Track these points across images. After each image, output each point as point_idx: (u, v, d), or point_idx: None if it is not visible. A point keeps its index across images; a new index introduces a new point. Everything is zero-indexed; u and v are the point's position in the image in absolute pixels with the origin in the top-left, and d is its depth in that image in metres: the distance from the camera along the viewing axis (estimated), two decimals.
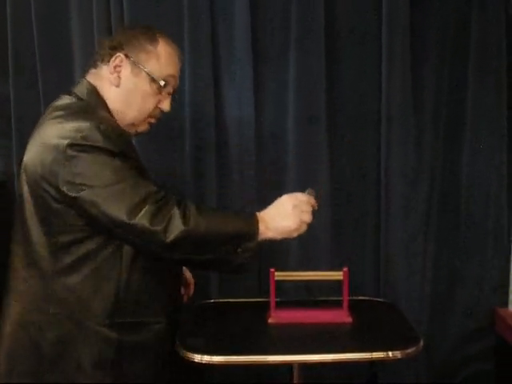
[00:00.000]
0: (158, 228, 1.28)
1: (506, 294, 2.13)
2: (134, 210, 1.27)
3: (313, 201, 1.44)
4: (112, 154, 1.31)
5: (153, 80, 1.46)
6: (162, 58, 1.47)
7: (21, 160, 1.41)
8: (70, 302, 1.37)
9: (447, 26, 2.03)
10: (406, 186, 2.06)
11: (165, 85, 1.47)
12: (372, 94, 2.05)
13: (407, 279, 2.08)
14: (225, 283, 2.05)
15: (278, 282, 1.63)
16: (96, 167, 1.30)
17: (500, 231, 2.12)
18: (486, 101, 2.06)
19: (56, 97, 1.93)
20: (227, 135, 2.03)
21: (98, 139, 1.30)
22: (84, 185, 1.28)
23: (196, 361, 1.42)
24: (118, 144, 1.33)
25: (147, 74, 1.45)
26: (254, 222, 1.37)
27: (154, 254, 1.36)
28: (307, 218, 1.41)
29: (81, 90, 1.45)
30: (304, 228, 1.41)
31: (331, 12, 1.99)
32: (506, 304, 2.13)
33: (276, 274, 1.63)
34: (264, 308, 1.68)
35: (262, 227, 1.37)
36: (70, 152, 1.29)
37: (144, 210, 1.28)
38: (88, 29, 1.96)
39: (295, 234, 1.41)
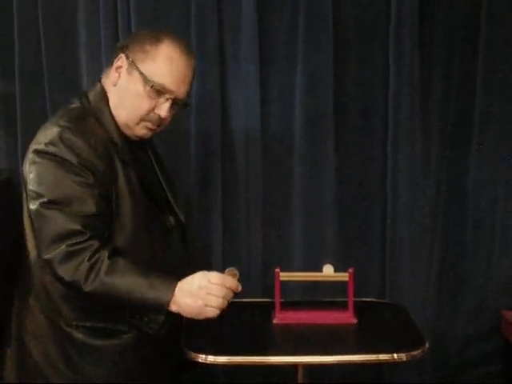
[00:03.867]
0: (62, 274, 1.26)
1: None
2: (51, 246, 1.27)
3: (232, 283, 1.30)
4: (64, 164, 1.30)
5: (146, 81, 1.39)
6: (158, 60, 1.39)
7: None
8: (43, 299, 1.40)
9: (456, 27, 2.02)
10: (412, 188, 2.05)
11: (154, 87, 1.39)
12: (379, 97, 2.04)
13: (413, 281, 2.08)
14: None
15: (282, 282, 1.63)
16: (46, 176, 1.31)
17: (506, 234, 2.11)
18: (494, 103, 2.05)
19: (61, 95, 1.98)
20: (233, 136, 2.02)
21: (57, 147, 1.31)
22: (33, 191, 1.31)
23: (200, 361, 1.42)
24: (75, 154, 1.31)
25: (140, 73, 1.39)
26: (169, 295, 1.26)
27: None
28: (213, 302, 1.27)
29: (91, 92, 1.46)
30: (211, 313, 1.28)
31: (339, 12, 1.98)
32: None
33: (281, 274, 1.63)
34: (269, 308, 1.68)
35: (176, 307, 1.28)
36: (33, 157, 1.33)
37: (57, 250, 1.26)
38: (94, 28, 1.95)
39: (199, 317, 1.29)
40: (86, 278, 1.25)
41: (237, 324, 1.64)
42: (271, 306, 1.67)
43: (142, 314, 1.31)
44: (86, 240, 1.27)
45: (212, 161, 2.00)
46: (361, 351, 1.48)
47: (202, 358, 1.42)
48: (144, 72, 1.38)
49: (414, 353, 1.45)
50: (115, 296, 1.27)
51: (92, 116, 1.40)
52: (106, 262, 1.26)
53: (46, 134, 1.34)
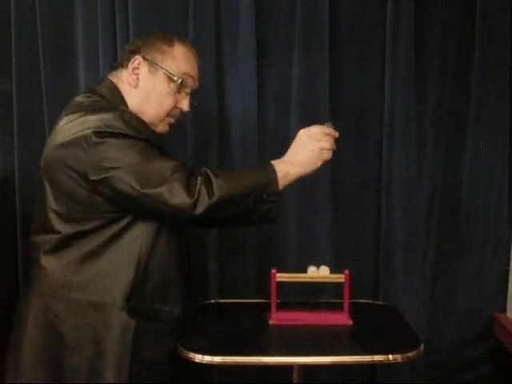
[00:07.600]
0: (188, 200, 1.32)
1: (505, 299, 2.14)
2: (164, 181, 1.32)
3: (331, 130, 1.46)
4: (135, 138, 1.36)
5: (170, 79, 1.49)
6: (177, 57, 1.50)
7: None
8: (90, 287, 1.41)
9: (451, 30, 2.03)
10: (406, 190, 2.06)
11: (182, 83, 1.50)
12: (375, 97, 2.05)
13: (407, 283, 2.08)
14: (224, 283, 2.04)
15: (278, 283, 1.64)
16: (122, 150, 1.34)
17: (500, 237, 2.12)
18: (489, 106, 2.06)
19: (58, 93, 1.97)
20: (230, 132, 2.02)
21: (121, 127, 1.36)
22: (112, 167, 1.33)
23: (197, 361, 1.42)
24: (140, 132, 1.39)
25: (164, 72, 1.48)
26: (270, 168, 1.42)
27: (182, 221, 1.44)
28: (325, 144, 1.44)
29: (103, 88, 1.50)
30: (327, 155, 1.45)
31: (336, 11, 1.99)
32: (504, 309, 2.13)
33: (277, 275, 1.63)
34: (265, 309, 1.68)
35: (287, 168, 1.42)
36: (95, 139, 1.33)
37: (174, 181, 1.32)
38: (92, 26, 1.95)
39: (319, 163, 1.45)
40: (208, 192, 1.33)
41: (233, 324, 1.65)
42: (267, 306, 1.67)
43: (259, 194, 1.40)
44: (188, 167, 1.39)
45: (208, 155, 2.00)
46: (356, 352, 1.48)
47: (198, 357, 1.42)
48: (167, 70, 1.48)
49: (410, 354, 1.46)
50: (234, 192, 1.37)
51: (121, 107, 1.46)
52: (211, 174, 1.37)
53: (101, 118, 1.35)
